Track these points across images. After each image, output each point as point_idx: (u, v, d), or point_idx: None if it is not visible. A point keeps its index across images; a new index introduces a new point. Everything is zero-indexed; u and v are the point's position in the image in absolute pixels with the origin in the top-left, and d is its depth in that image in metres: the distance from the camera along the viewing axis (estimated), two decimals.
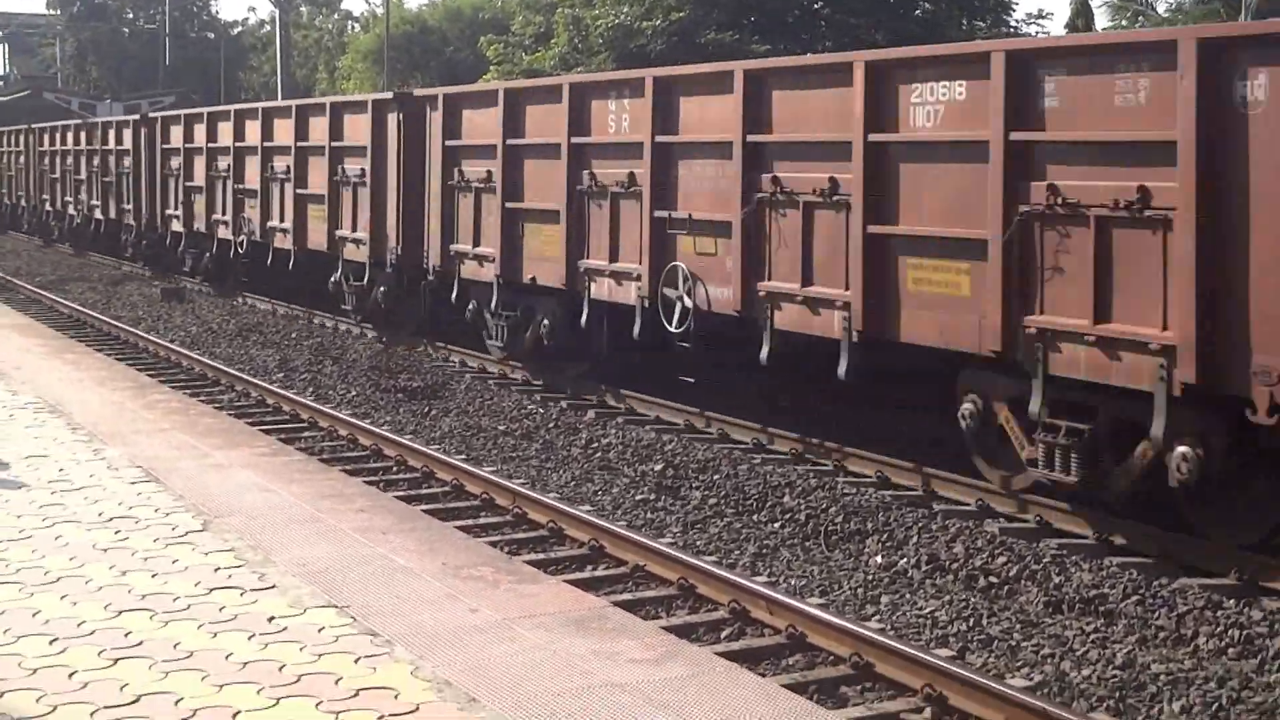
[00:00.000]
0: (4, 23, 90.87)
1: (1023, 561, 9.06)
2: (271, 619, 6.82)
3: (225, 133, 24.96)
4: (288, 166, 22.07)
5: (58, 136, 36.75)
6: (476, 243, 16.90)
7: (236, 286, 25.24)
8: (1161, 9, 46.77)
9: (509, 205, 16.18)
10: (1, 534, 8.27)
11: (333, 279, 20.63)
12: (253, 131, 23.57)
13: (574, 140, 14.91)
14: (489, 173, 16.53)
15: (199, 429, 11.94)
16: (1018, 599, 8.55)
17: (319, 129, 21.07)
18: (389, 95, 19.64)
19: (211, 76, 71.77)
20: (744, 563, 9.32)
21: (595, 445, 12.73)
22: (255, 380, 15.97)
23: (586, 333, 15.15)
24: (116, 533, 8.36)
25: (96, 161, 32.90)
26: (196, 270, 26.98)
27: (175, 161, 27.64)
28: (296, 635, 6.61)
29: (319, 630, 6.69)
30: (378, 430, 13.13)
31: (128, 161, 30.53)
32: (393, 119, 18.88)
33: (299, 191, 21.74)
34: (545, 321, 15.74)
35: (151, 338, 19.72)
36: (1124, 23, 45.97)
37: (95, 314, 22.78)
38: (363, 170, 19.64)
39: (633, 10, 33.26)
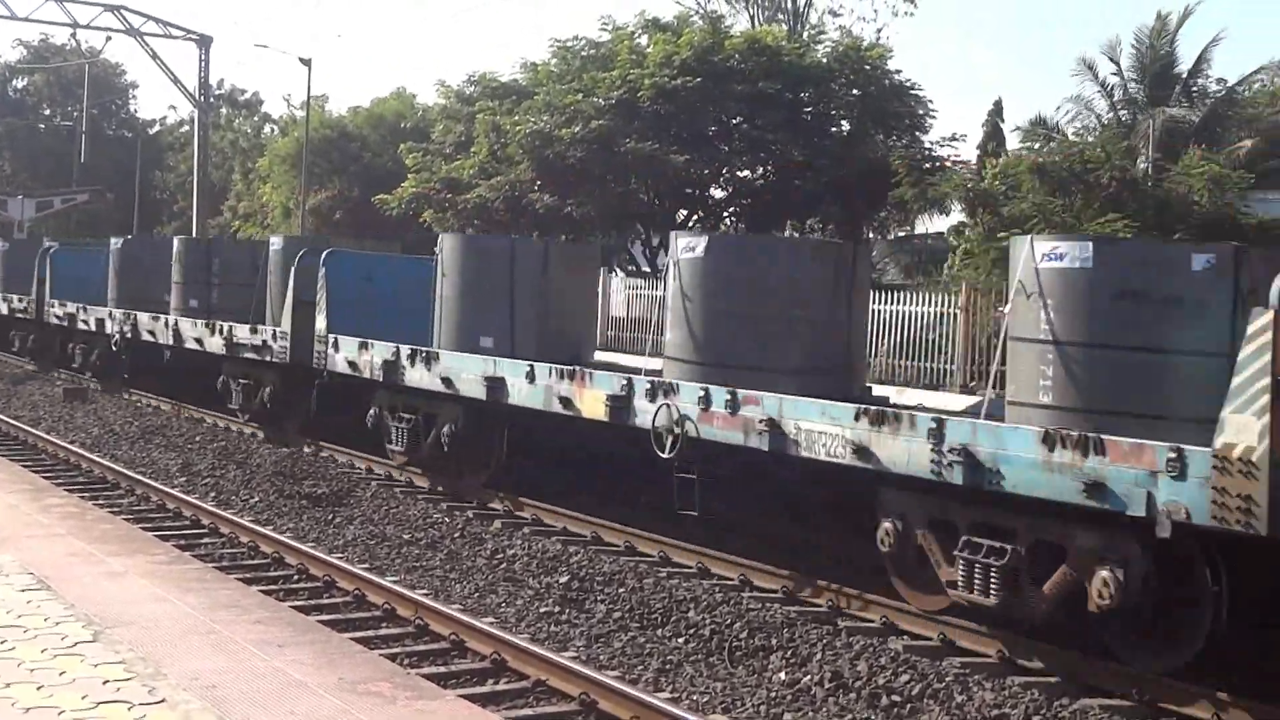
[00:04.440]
0: None
1: (925, 680, 9.05)
2: None
3: None
4: None
5: None
6: None
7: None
8: (1070, 133, 47.88)
9: None
10: None
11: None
12: None
13: None
14: None
15: (95, 535, 11.68)
16: (920, 718, 8.52)
17: None
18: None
19: (127, 174, 71.33)
20: (647, 678, 9.23)
21: (500, 556, 12.61)
22: (156, 484, 15.68)
23: None
24: (3, 643, 8.10)
25: None
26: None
27: None
28: None
29: None
30: (279, 537, 12.91)
31: None
32: None
33: None
34: None
35: (51, 439, 19.32)
36: (1035, 146, 46.91)
37: None
38: None
39: (553, 119, 33.46)
